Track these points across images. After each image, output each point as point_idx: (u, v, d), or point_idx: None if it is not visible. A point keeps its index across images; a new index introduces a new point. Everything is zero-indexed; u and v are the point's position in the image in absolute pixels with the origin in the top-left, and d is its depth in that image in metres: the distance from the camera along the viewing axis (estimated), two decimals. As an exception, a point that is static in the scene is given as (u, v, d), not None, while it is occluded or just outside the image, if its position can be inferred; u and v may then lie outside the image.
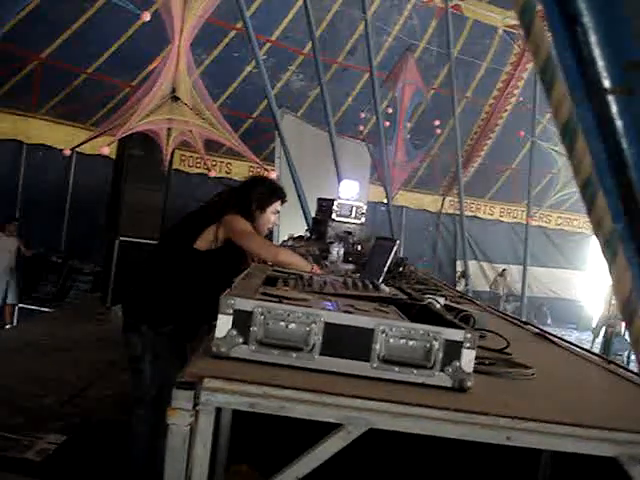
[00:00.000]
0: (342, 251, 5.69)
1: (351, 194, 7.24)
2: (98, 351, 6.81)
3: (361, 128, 14.70)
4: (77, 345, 7.14)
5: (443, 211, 17.55)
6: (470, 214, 16.65)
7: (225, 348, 1.63)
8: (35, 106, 11.69)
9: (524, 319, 3.87)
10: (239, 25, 9.89)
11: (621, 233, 0.53)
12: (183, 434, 1.46)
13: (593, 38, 0.51)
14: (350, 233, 6.44)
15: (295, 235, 7.12)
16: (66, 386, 5.49)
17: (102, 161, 11.01)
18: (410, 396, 1.54)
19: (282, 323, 1.64)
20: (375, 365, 1.63)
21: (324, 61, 11.34)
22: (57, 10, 9.70)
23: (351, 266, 4.92)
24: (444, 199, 17.45)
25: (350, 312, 1.74)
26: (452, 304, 2.84)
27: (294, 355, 1.63)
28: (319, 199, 7.28)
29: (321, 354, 1.63)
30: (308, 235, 7.19)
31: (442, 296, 2.97)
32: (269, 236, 3.84)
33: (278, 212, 3.77)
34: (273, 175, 10.35)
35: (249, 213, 3.58)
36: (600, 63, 0.51)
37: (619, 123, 0.51)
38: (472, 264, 16.44)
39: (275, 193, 3.76)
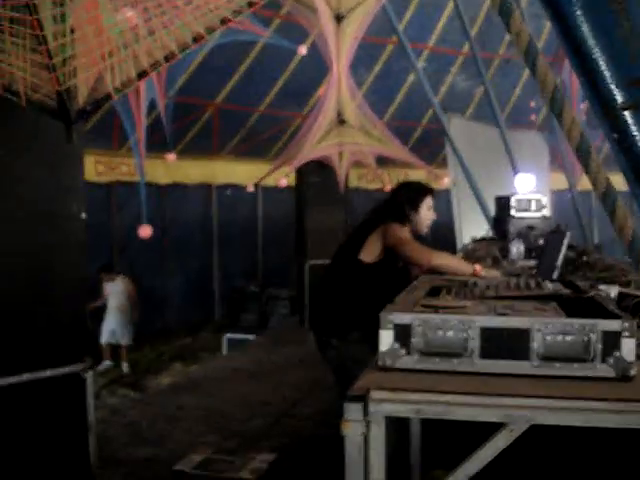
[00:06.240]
0: (522, 248, 5.57)
1: (528, 187, 7.09)
2: (301, 372, 7.15)
3: (533, 117, 14.25)
4: (281, 368, 7.55)
5: (636, 188, 16.45)
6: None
7: (390, 361, 1.74)
8: (217, 149, 12.51)
9: None
10: (395, 38, 10.00)
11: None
12: (358, 444, 1.58)
13: (599, 62, 0.57)
14: (532, 228, 6.29)
15: (477, 237, 7.09)
16: (273, 407, 5.83)
17: (285, 191, 11.61)
18: (572, 390, 1.56)
19: (440, 332, 1.72)
20: (536, 363, 1.67)
21: (485, 57, 11.16)
22: (223, 57, 10.28)
23: (532, 262, 4.81)
24: (635, 175, 16.37)
25: (505, 314, 1.78)
26: (629, 291, 2.75)
27: (455, 361, 1.71)
28: (497, 197, 7.21)
29: (481, 357, 1.70)
30: (490, 235, 7.13)
31: (619, 284, 2.88)
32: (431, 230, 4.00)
33: (432, 207, 3.89)
34: (445, 180, 10.35)
35: (404, 217, 3.75)
36: (609, 83, 0.56)
37: (636, 134, 0.56)
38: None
39: (421, 190, 3.91)
